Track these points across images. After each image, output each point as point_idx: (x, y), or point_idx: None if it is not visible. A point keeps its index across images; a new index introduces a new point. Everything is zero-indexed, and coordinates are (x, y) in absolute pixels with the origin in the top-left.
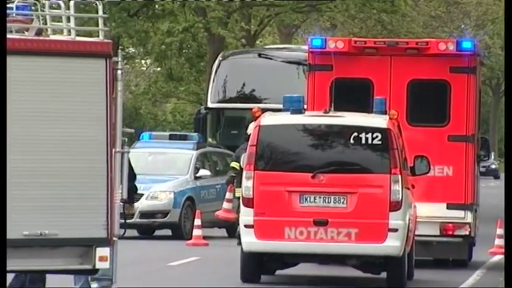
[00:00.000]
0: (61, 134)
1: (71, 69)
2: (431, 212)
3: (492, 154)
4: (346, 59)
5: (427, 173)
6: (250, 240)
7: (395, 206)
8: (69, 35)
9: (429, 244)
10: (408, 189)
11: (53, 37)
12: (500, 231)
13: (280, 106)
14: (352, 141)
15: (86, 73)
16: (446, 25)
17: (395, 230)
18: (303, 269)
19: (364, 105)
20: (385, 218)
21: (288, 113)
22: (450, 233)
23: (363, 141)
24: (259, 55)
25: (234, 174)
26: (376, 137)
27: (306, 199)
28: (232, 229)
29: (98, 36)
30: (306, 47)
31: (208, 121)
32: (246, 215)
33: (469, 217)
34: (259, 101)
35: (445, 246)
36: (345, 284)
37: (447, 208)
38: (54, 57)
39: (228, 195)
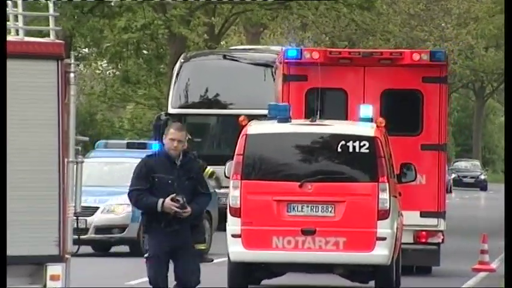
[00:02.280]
0: (8, 142)
1: (19, 72)
2: (405, 220)
3: (478, 163)
4: (321, 69)
5: (414, 180)
6: (237, 250)
7: (383, 215)
8: (17, 35)
9: (404, 251)
10: (395, 197)
11: None
12: (484, 246)
13: (249, 111)
14: (339, 149)
15: (36, 76)
16: (425, 24)
17: (384, 239)
18: (289, 279)
19: (338, 115)
20: (373, 227)
21: (275, 122)
22: (424, 240)
23: (351, 150)
24: (224, 57)
25: None
26: (364, 145)
27: (293, 208)
28: None
29: (49, 37)
30: (274, 48)
31: None
32: (233, 225)
33: (442, 225)
34: (224, 106)
35: (418, 254)
36: None
37: (420, 216)
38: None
39: None
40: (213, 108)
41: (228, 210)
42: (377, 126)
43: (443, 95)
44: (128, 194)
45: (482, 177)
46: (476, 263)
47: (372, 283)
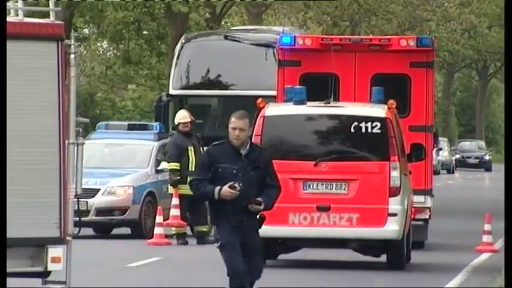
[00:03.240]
0: (8, 124)
1: (19, 54)
2: None
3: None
4: (314, 55)
5: (424, 159)
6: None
7: (395, 192)
8: (17, 16)
9: None
10: (406, 175)
11: None
12: (488, 227)
13: (251, 92)
14: (352, 130)
15: (36, 58)
16: (428, 3)
17: (395, 215)
18: (304, 254)
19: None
20: (384, 203)
21: (291, 104)
22: (412, 216)
23: (363, 130)
24: (226, 37)
25: (178, 177)
26: (376, 126)
27: (309, 186)
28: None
29: (49, 17)
30: (276, 28)
31: (170, 109)
32: None
33: (428, 202)
34: (225, 87)
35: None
36: (346, 267)
37: None
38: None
39: (175, 200)
40: (215, 89)
41: None
42: (388, 108)
43: (430, 79)
44: (189, 183)
45: (487, 157)
46: (479, 243)
47: (383, 257)
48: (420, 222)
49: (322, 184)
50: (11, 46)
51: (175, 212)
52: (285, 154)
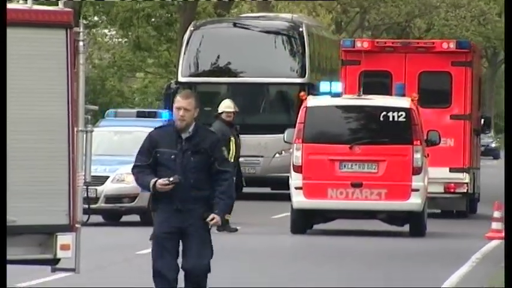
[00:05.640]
0: (17, 112)
1: (28, 41)
2: (437, 174)
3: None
4: (371, 55)
5: (438, 144)
6: (299, 200)
7: (417, 171)
8: (26, 3)
9: (436, 199)
10: (425, 157)
11: (7, 5)
12: (497, 214)
13: (260, 79)
14: (381, 118)
15: (45, 45)
16: None
17: (417, 190)
18: (336, 224)
19: (385, 91)
20: (409, 181)
21: (329, 97)
22: (452, 190)
23: (390, 119)
24: (235, 24)
25: None
26: (401, 115)
27: (344, 166)
28: None
29: (57, 5)
30: (285, 16)
31: None
32: (296, 179)
33: (467, 178)
34: (234, 74)
35: (449, 201)
36: (374, 235)
37: (449, 171)
38: (9, 28)
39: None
40: (224, 77)
41: (291, 167)
42: (411, 99)
43: (468, 75)
44: (131, 170)
45: (493, 145)
46: (488, 230)
47: (406, 226)
48: (459, 195)
49: (356, 164)
50: (20, 33)
51: None
52: (324, 139)
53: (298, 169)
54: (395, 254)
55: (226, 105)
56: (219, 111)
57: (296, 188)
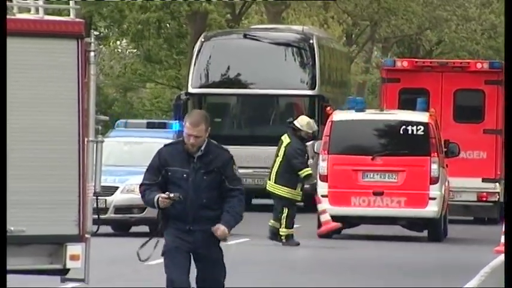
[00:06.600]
0: (28, 122)
1: (39, 51)
2: (471, 184)
3: None
4: (410, 74)
5: (458, 155)
6: (325, 207)
7: (434, 181)
8: (37, 13)
9: (469, 207)
10: (443, 167)
11: (19, 16)
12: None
13: (270, 91)
14: (401, 132)
15: (56, 55)
16: (448, 3)
17: (434, 199)
18: (361, 229)
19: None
20: (426, 189)
21: (353, 111)
22: (484, 199)
23: (410, 132)
24: (245, 36)
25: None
26: (420, 128)
27: (367, 175)
28: None
29: (69, 15)
30: (295, 27)
31: (189, 108)
32: (322, 188)
33: (497, 188)
34: (244, 85)
35: (481, 209)
36: (394, 240)
37: (482, 181)
38: (21, 38)
39: (321, 206)
40: (234, 88)
41: (317, 177)
42: (430, 114)
43: (499, 93)
44: (139, 187)
45: None
46: (499, 244)
47: (425, 232)
48: (491, 204)
49: (377, 174)
50: (31, 44)
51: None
52: (348, 150)
53: (324, 178)
54: (404, 266)
55: (311, 126)
56: (300, 126)
57: (322, 196)
